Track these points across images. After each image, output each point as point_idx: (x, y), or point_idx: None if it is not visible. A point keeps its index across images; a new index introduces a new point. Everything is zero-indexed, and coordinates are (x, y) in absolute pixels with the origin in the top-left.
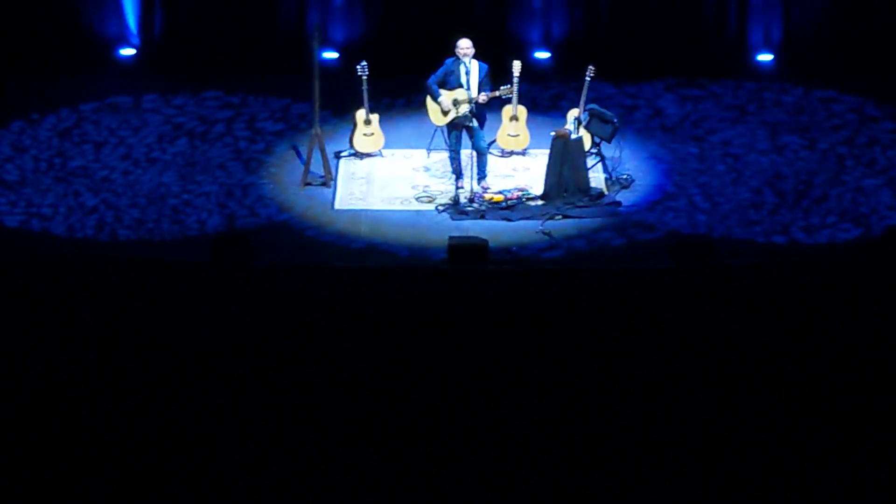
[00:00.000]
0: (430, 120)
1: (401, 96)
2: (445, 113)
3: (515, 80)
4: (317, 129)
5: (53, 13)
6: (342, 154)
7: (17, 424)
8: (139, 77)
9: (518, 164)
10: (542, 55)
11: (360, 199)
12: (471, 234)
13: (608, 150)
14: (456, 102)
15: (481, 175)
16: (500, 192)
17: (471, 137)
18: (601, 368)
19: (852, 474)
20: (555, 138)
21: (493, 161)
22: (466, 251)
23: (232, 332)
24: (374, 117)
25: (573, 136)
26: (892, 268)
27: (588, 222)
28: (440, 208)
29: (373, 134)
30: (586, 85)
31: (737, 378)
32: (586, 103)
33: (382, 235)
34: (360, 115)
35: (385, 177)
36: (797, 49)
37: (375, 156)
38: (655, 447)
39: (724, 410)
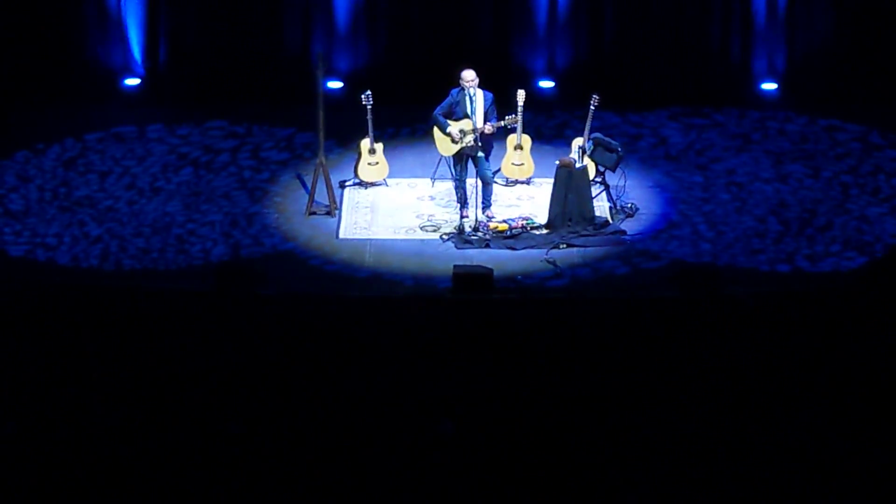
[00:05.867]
0: (434, 149)
1: (405, 125)
2: (454, 143)
3: (520, 109)
4: (321, 159)
5: (58, 43)
6: (347, 183)
7: (21, 453)
8: (144, 107)
9: (522, 193)
10: (547, 84)
11: (365, 228)
12: (476, 263)
13: (612, 178)
14: (462, 132)
15: (486, 204)
16: (504, 221)
17: (476, 166)
18: (606, 397)
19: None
20: (559, 167)
21: (497, 190)
22: (471, 280)
23: (236, 362)
24: (379, 146)
25: (578, 165)
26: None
27: (592, 251)
28: (445, 237)
29: (377, 163)
30: (590, 114)
31: (742, 407)
32: (591, 132)
33: (387, 264)
34: (365, 144)
35: (389, 206)
36: (801, 78)
37: (380, 185)
38: (660, 476)
39: (729, 439)
